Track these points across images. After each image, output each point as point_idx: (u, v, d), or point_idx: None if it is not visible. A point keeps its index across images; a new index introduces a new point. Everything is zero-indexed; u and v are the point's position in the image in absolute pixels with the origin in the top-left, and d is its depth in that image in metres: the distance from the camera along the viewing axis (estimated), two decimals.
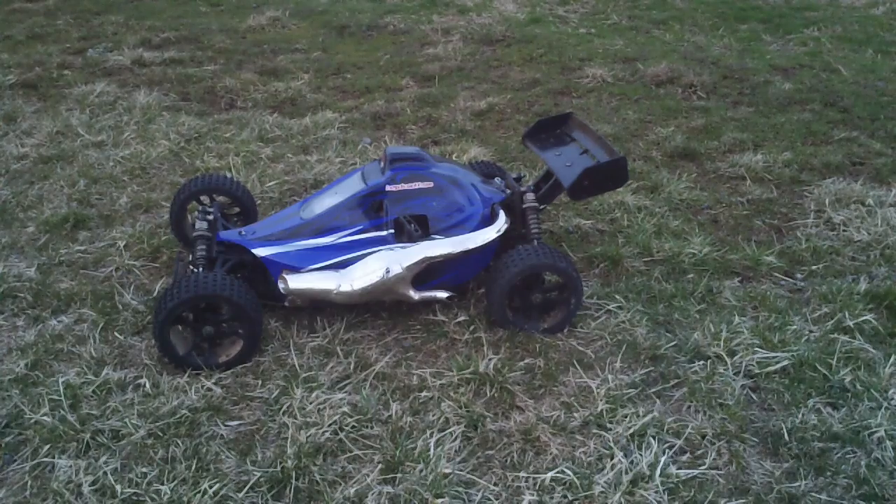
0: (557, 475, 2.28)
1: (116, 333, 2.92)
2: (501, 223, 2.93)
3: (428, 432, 2.45)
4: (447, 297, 2.96)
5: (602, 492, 2.23)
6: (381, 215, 2.89)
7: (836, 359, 2.75)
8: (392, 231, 2.89)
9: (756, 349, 2.80)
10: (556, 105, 5.19)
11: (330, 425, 2.45)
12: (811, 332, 2.93)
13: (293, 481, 2.26)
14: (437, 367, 2.75)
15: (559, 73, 5.78)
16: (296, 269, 2.83)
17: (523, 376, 2.70)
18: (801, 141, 4.59)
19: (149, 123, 4.84)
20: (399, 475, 2.29)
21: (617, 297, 3.10)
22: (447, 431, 2.45)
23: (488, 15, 7.28)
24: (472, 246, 2.85)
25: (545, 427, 2.47)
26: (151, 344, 2.81)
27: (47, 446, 2.38)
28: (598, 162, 2.92)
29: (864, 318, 2.97)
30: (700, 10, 7.37)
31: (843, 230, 3.64)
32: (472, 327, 2.93)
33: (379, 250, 2.84)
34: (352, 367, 2.74)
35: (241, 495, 2.23)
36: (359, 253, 2.85)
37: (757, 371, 2.72)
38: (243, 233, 2.96)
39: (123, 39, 6.58)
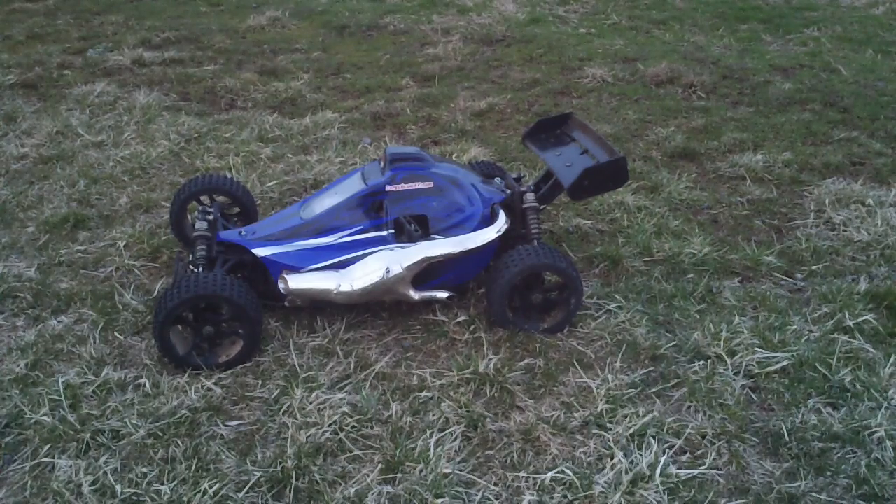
0: (557, 475, 2.28)
1: (116, 333, 2.92)
2: (501, 223, 2.93)
3: (428, 432, 2.44)
4: (447, 297, 2.96)
5: (602, 492, 2.23)
6: (381, 215, 2.89)
7: (836, 359, 2.75)
8: (392, 231, 2.89)
9: (756, 349, 2.80)
10: (556, 105, 5.19)
11: (330, 425, 2.45)
12: (811, 332, 2.93)
13: (293, 481, 2.26)
14: (437, 367, 2.75)
15: (559, 73, 5.78)
16: (296, 269, 2.83)
17: (523, 376, 2.70)
18: (801, 141, 4.59)
19: (149, 123, 4.84)
20: (399, 475, 2.29)
21: (617, 297, 3.10)
22: (447, 431, 2.45)
23: (488, 15, 7.28)
24: (472, 246, 2.85)
25: (545, 427, 2.46)
26: (151, 344, 2.81)
27: (47, 446, 2.38)
28: (598, 162, 2.92)
29: (864, 318, 2.97)
30: (700, 10, 7.37)
31: (843, 230, 3.64)
32: (472, 327, 2.93)
33: (379, 250, 2.84)
34: (352, 367, 2.74)
35: (241, 495, 2.23)
36: (359, 253, 2.85)
37: (757, 371, 2.72)
38: (243, 233, 2.96)
39: (123, 39, 6.58)
